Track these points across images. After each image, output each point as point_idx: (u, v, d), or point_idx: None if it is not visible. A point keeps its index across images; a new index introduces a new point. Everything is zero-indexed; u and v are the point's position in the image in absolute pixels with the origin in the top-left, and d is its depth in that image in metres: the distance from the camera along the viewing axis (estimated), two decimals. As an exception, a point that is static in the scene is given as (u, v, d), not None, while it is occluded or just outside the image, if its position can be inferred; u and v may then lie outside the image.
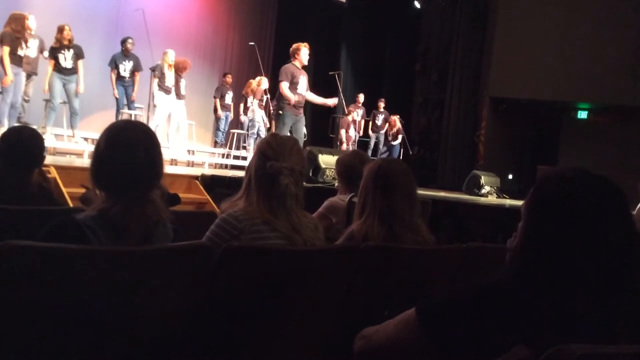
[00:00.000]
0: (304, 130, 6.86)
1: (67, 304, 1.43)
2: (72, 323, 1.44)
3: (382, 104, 11.85)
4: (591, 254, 1.09)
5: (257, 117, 9.48)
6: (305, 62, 6.60)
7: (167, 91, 8.25)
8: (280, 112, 6.47)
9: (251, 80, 10.23)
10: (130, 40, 8.54)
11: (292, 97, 6.40)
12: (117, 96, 8.50)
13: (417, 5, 12.90)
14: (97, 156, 1.69)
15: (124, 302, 1.52)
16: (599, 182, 1.14)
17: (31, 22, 7.32)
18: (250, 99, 9.96)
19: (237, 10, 12.24)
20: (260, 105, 9.74)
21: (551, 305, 1.07)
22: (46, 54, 7.50)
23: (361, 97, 11.55)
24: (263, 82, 9.77)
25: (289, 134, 6.41)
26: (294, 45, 6.60)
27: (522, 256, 1.17)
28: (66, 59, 7.52)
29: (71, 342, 1.45)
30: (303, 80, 6.56)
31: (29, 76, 7.50)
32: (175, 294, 1.65)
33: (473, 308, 1.12)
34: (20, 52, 7.04)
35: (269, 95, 10.22)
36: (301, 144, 6.58)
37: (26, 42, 7.09)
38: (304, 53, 6.51)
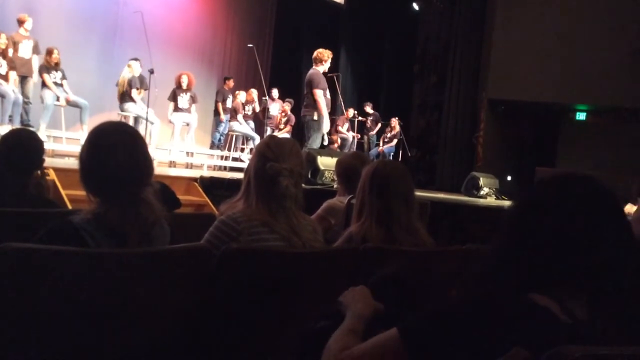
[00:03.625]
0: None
1: (66, 306, 1.43)
2: (71, 325, 1.44)
3: (368, 107, 12.09)
4: (588, 254, 1.08)
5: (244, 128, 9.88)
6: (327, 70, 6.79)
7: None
8: (315, 118, 6.51)
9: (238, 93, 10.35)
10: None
11: (324, 111, 6.49)
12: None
13: (416, 7, 12.90)
14: (81, 162, 1.69)
15: (122, 304, 1.52)
16: (592, 184, 1.14)
17: (28, 24, 7.40)
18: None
19: (236, 12, 12.24)
20: (245, 117, 10.06)
21: (549, 307, 1.07)
22: (36, 59, 7.58)
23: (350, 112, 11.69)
24: (240, 96, 10.11)
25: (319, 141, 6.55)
26: (322, 52, 6.67)
27: (514, 261, 1.14)
28: (56, 77, 7.75)
29: (70, 343, 1.45)
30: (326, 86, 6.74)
31: (24, 78, 7.53)
32: (174, 295, 1.65)
33: (463, 324, 1.06)
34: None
35: (255, 104, 10.37)
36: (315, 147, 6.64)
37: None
38: (329, 62, 6.69)
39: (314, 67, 6.63)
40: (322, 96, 6.46)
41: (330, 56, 6.72)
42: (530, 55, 10.20)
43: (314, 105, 6.53)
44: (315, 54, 6.69)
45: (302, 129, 7.16)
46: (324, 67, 6.63)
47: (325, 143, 7.23)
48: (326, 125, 6.60)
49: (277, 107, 10.88)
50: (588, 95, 10.21)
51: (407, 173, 2.36)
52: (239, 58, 12.20)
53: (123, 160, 1.64)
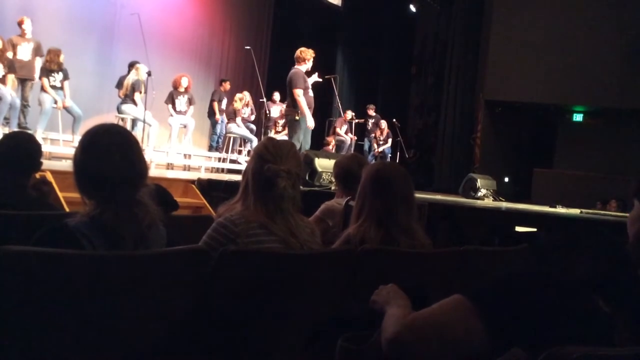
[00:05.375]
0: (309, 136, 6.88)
1: (64, 309, 1.42)
2: (69, 327, 1.44)
3: (371, 110, 11.94)
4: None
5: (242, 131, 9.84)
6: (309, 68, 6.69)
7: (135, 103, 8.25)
8: (297, 117, 6.45)
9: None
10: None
11: (306, 109, 6.38)
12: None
13: (413, 8, 12.93)
14: (75, 165, 1.68)
15: (120, 307, 1.51)
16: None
17: (26, 26, 7.37)
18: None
19: (233, 14, 12.25)
20: (243, 120, 10.00)
21: (550, 307, 1.08)
22: (39, 61, 7.56)
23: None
24: (242, 99, 10.07)
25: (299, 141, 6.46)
26: (305, 51, 6.59)
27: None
28: (56, 80, 7.68)
29: (68, 345, 1.45)
30: (309, 85, 6.65)
31: (24, 81, 7.51)
32: (172, 298, 1.64)
33: (530, 290, 1.12)
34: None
35: (251, 108, 10.36)
36: (307, 148, 6.59)
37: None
38: (311, 60, 6.59)
39: (295, 65, 6.55)
40: (302, 95, 6.38)
41: (313, 55, 6.62)
42: (528, 56, 10.23)
43: (294, 105, 6.48)
44: (297, 52, 6.60)
45: None
46: (306, 66, 6.55)
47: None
48: (310, 122, 6.45)
49: (278, 110, 10.89)
50: (585, 97, 10.23)
51: (407, 174, 2.36)
52: (237, 60, 12.20)
53: (117, 162, 1.64)
